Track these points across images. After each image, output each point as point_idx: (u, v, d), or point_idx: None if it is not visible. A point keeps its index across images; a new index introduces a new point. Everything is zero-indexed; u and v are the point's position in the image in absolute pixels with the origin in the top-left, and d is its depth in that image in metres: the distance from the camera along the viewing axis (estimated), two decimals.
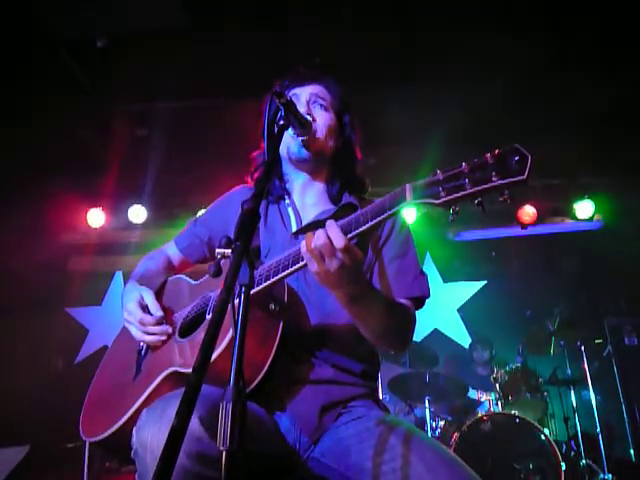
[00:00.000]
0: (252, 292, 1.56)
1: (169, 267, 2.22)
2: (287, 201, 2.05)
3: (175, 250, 2.24)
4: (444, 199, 1.34)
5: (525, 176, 1.25)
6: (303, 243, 1.48)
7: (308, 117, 1.83)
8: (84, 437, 1.88)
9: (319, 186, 2.05)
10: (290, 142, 1.92)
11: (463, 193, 1.32)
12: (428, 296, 1.97)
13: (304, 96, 1.97)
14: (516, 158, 1.26)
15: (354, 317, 1.69)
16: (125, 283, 2.10)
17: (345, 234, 1.45)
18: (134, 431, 1.44)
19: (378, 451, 1.53)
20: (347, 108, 2.08)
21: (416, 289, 1.93)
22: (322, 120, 1.96)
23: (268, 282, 1.60)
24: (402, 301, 1.88)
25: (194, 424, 1.32)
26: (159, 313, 1.86)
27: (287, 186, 2.07)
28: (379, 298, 1.69)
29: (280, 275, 1.59)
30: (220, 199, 2.22)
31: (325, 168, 2.05)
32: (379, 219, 1.44)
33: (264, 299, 1.67)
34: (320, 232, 1.45)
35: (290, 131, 1.82)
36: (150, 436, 1.38)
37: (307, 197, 2.05)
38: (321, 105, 1.98)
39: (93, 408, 1.99)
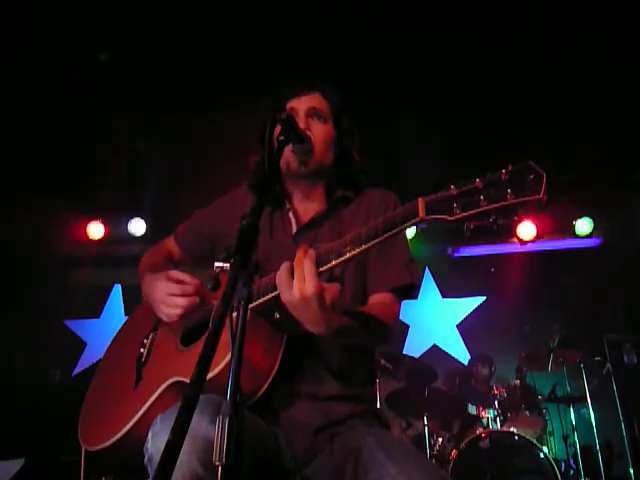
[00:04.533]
0: (259, 302, 1.60)
1: (170, 262, 2.23)
2: (287, 206, 2.06)
3: (175, 246, 2.26)
4: (458, 216, 1.32)
5: (541, 195, 1.25)
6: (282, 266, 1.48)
7: (307, 132, 1.85)
8: (84, 446, 1.87)
9: (319, 190, 2.07)
10: (289, 159, 1.92)
11: (478, 210, 1.29)
12: (417, 282, 1.93)
13: (301, 110, 1.97)
14: (531, 176, 1.26)
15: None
16: (140, 281, 2.08)
17: (355, 248, 1.45)
18: (149, 436, 1.45)
19: (369, 471, 1.51)
20: (345, 112, 2.08)
21: (404, 278, 1.90)
22: (320, 134, 1.96)
23: (275, 292, 1.57)
24: (382, 297, 1.87)
25: (208, 431, 1.32)
26: (194, 280, 1.84)
27: (287, 192, 2.08)
28: (352, 332, 1.67)
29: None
30: (223, 198, 2.23)
31: (324, 175, 2.06)
32: (389, 234, 1.42)
33: (269, 308, 1.67)
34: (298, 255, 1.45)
35: (290, 146, 1.82)
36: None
37: (307, 201, 2.07)
38: (319, 117, 1.99)
39: (92, 416, 1.99)
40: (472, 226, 1.35)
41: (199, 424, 1.33)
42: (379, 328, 1.77)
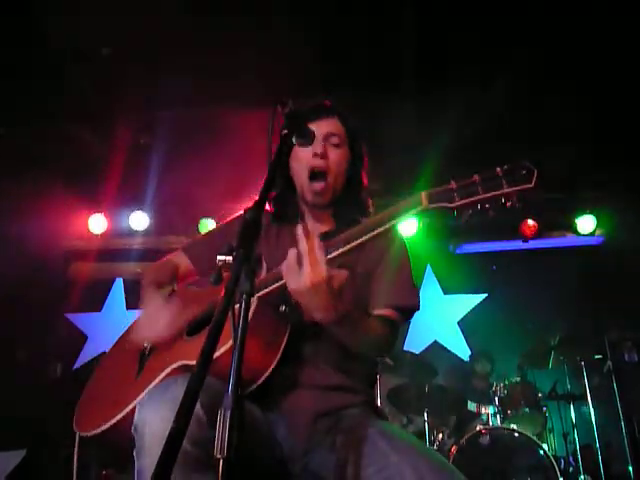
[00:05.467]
0: (266, 291, 1.65)
1: (175, 277, 2.22)
2: (299, 222, 2.10)
3: (184, 259, 2.23)
4: (458, 202, 1.47)
5: (532, 184, 1.42)
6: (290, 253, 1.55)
7: (312, 128, 1.84)
8: (79, 431, 1.88)
9: (328, 211, 2.13)
10: (305, 187, 2.01)
11: (476, 197, 1.45)
12: (418, 308, 2.00)
13: (320, 135, 2.01)
14: (524, 171, 1.43)
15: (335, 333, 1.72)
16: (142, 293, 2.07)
17: (362, 236, 1.55)
18: (137, 408, 1.48)
19: (372, 461, 1.52)
20: (359, 138, 2.16)
21: (409, 299, 1.97)
22: (336, 158, 2.04)
23: (279, 283, 1.64)
24: (386, 312, 1.91)
25: (197, 409, 1.34)
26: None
27: (299, 210, 2.14)
28: (355, 322, 1.71)
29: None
30: (233, 217, 2.25)
31: (335, 199, 2.12)
32: (395, 221, 1.54)
33: (275, 300, 1.72)
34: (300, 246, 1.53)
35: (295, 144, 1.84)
36: (151, 412, 1.42)
37: (318, 220, 2.12)
38: (335, 143, 2.05)
39: (89, 405, 2.00)
40: (470, 212, 1.49)
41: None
42: (382, 329, 1.84)
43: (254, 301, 1.66)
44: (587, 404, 5.29)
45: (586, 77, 4.83)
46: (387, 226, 1.54)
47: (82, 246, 7.29)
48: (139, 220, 6.99)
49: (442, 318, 7.52)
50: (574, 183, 6.39)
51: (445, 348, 7.42)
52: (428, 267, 7.58)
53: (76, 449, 2.15)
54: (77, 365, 7.36)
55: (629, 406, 5.94)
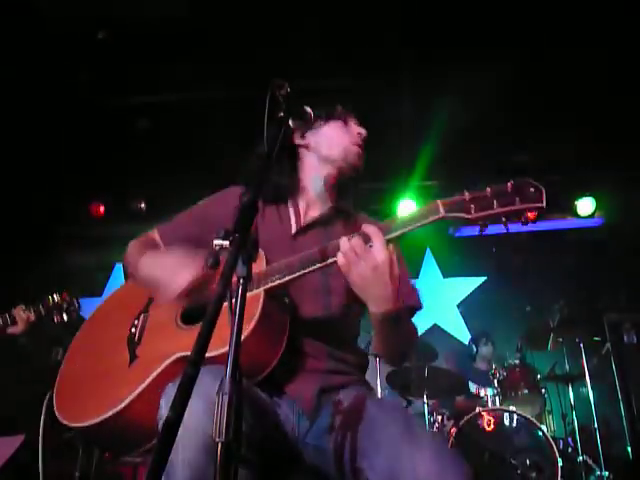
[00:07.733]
0: (275, 283, 1.68)
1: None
2: (288, 202, 2.08)
3: (159, 241, 2.18)
4: (476, 215, 1.55)
5: (544, 204, 1.52)
6: (343, 241, 1.57)
7: (308, 109, 1.82)
8: (64, 420, 1.82)
9: (323, 195, 2.09)
10: (349, 153, 2.02)
11: (492, 212, 1.54)
12: (421, 308, 2.05)
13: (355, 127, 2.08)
14: (532, 189, 1.54)
15: (381, 332, 1.74)
16: (134, 265, 2.04)
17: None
18: (162, 404, 1.46)
19: (367, 436, 1.55)
20: None
21: (414, 298, 2.02)
22: None
23: (292, 275, 1.66)
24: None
25: None
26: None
27: (290, 188, 2.08)
28: (403, 311, 1.74)
29: (306, 270, 1.65)
30: (215, 197, 2.18)
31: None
32: (412, 227, 1.59)
33: (281, 293, 1.75)
34: (353, 237, 1.57)
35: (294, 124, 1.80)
36: None
37: (309, 202, 2.08)
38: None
39: (75, 389, 1.93)
40: (484, 226, 1.58)
41: (213, 387, 1.32)
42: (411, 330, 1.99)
43: (261, 294, 1.66)
44: (586, 385, 5.30)
45: (588, 60, 4.79)
46: (407, 229, 1.60)
47: (82, 231, 7.28)
48: (138, 205, 7.00)
49: (442, 301, 7.54)
50: (573, 165, 6.36)
51: (445, 331, 7.44)
52: (427, 250, 7.59)
53: (41, 437, 2.11)
54: None
55: (628, 387, 5.96)
